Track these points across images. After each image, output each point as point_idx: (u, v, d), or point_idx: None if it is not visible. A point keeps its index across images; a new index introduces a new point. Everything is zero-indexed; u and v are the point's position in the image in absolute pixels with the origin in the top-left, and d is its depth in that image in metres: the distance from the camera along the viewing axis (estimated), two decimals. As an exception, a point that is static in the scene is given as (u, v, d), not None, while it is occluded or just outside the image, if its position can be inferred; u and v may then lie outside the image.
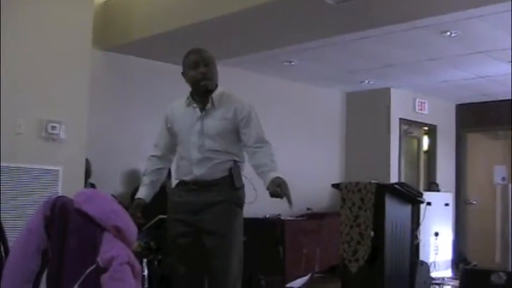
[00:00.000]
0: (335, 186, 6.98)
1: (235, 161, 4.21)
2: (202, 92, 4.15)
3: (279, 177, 3.87)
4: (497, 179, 10.18)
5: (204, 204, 4.09)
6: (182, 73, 4.29)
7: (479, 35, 7.41)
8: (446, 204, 9.78)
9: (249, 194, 4.33)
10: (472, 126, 11.97)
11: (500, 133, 11.96)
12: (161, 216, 6.55)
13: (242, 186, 4.29)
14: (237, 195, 4.22)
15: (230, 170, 4.16)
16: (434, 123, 11.71)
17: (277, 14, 6.15)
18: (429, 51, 8.26)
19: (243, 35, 7.00)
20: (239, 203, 4.26)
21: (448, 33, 7.30)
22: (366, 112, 10.79)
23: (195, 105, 4.19)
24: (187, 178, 4.17)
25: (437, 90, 10.90)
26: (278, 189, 3.78)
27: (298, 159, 9.58)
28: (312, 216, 9.32)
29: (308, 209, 9.31)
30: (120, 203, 7.01)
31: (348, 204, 6.57)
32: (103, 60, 7.72)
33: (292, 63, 8.79)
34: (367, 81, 10.23)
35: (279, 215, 8.61)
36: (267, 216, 8.62)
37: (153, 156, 4.45)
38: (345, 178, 10.12)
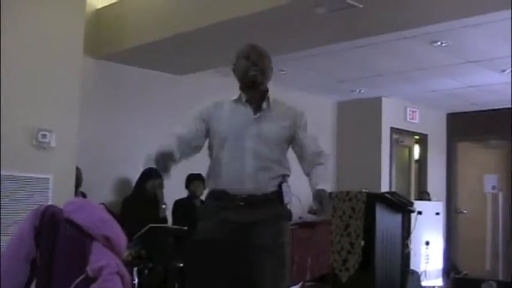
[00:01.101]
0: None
1: (284, 175, 3.75)
2: (249, 85, 3.71)
3: (322, 190, 3.57)
4: (488, 188, 10.21)
5: (253, 223, 3.58)
6: (232, 69, 3.86)
7: (470, 44, 7.44)
8: (437, 213, 9.75)
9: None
10: (462, 135, 12.00)
11: (490, 142, 12.00)
12: (151, 225, 6.56)
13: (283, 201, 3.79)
14: (285, 208, 3.76)
15: (280, 184, 3.70)
16: (425, 132, 11.73)
17: (268, 23, 6.16)
18: (420, 61, 8.29)
19: (235, 43, 6.94)
20: (289, 217, 3.83)
21: (439, 43, 7.33)
22: (357, 121, 10.80)
23: (246, 103, 3.73)
24: (233, 191, 3.60)
25: (428, 100, 10.93)
26: (319, 207, 3.53)
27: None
28: (304, 225, 9.31)
29: (299, 217, 9.31)
30: (110, 211, 7.02)
31: (338, 213, 6.57)
32: (95, 68, 7.71)
33: (284, 72, 8.78)
34: (358, 91, 10.25)
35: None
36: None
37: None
38: (336, 187, 10.12)
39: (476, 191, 11.27)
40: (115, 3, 7.57)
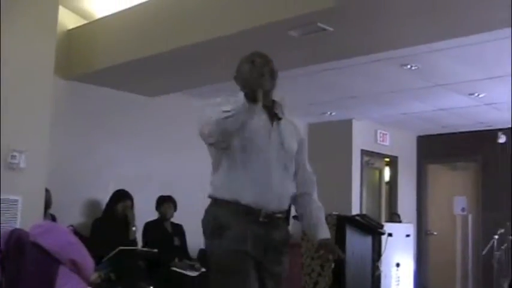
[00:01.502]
0: (296, 217, 6.97)
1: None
2: (258, 87, 3.20)
3: (329, 240, 3.42)
4: (457, 210, 10.30)
5: (273, 242, 3.32)
6: (235, 77, 3.52)
7: (439, 68, 7.51)
8: (408, 235, 9.82)
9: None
10: (432, 157, 12.09)
11: (460, 164, 12.10)
12: (121, 247, 6.51)
13: None
14: (289, 232, 3.52)
15: (290, 204, 3.48)
16: (395, 154, 11.80)
17: (241, 45, 6.14)
18: (390, 84, 8.35)
19: (206, 65, 7.00)
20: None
21: (409, 66, 7.39)
22: (328, 143, 10.82)
23: (263, 110, 3.37)
24: (258, 206, 3.24)
25: (398, 122, 11.00)
26: (331, 256, 3.43)
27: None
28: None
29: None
30: (79, 234, 6.98)
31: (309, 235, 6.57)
32: (65, 89, 7.65)
33: (255, 93, 8.79)
34: (329, 113, 10.30)
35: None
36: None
37: None
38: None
39: (446, 213, 11.36)
40: (86, 24, 7.55)
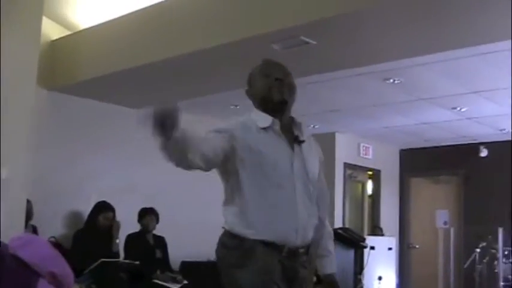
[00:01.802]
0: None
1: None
2: (276, 108, 2.99)
3: (333, 276, 3.14)
4: (440, 223, 10.31)
5: (297, 276, 2.95)
6: (246, 90, 3.15)
7: (421, 82, 7.55)
8: (390, 249, 9.86)
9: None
10: (415, 171, 12.13)
11: (442, 178, 12.14)
12: (103, 259, 6.48)
13: None
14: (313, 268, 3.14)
15: None
16: (378, 167, 11.83)
17: (224, 58, 6.18)
18: (373, 97, 8.38)
19: (189, 78, 7.00)
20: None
21: (391, 80, 7.42)
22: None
23: (281, 132, 2.98)
24: (282, 242, 2.86)
25: (381, 136, 11.04)
26: None
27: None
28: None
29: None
30: (60, 245, 6.92)
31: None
32: (48, 100, 7.62)
33: (238, 106, 8.79)
34: (312, 126, 10.30)
35: (223, 258, 8.51)
36: (211, 259, 8.54)
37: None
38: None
39: (428, 226, 11.37)
40: (70, 35, 7.54)
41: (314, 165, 3.07)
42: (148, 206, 7.78)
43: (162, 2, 6.40)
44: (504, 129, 9.97)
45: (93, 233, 7.20)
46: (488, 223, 9.80)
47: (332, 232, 3.26)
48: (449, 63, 6.68)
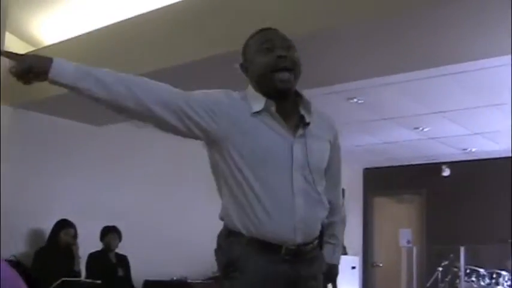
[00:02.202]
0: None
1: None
2: (277, 94, 2.52)
3: (334, 268, 2.82)
4: (403, 242, 10.37)
5: (301, 280, 2.54)
6: (240, 65, 2.69)
7: (385, 102, 7.62)
8: (353, 267, 9.87)
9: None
10: (378, 190, 12.21)
11: (406, 197, 12.24)
12: (64, 278, 6.39)
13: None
14: (322, 262, 2.72)
15: (322, 226, 2.65)
16: (342, 186, 11.83)
17: (187, 76, 6.17)
18: (337, 117, 8.25)
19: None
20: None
21: (355, 100, 7.48)
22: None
23: (278, 116, 2.52)
24: (278, 242, 2.48)
25: (345, 154, 10.82)
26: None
27: (209, 221, 9.47)
28: (219, 279, 9.22)
29: (214, 272, 9.23)
30: (20, 264, 6.80)
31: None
32: (12, 116, 7.54)
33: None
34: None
35: (186, 277, 8.50)
36: (174, 278, 8.50)
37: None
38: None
39: (391, 245, 11.44)
40: (34, 51, 7.47)
41: (320, 150, 2.62)
42: (111, 224, 7.72)
43: (125, 20, 6.38)
44: (466, 149, 10.12)
45: (54, 251, 7.11)
46: (450, 242, 9.88)
47: (345, 218, 2.93)
48: (413, 84, 6.76)
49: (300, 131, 2.52)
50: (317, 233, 2.58)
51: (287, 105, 2.54)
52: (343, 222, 2.91)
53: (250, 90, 2.59)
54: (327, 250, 2.76)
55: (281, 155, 2.48)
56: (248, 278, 2.47)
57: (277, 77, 2.49)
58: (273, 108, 2.49)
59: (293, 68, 2.53)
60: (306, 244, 2.51)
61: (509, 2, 4.08)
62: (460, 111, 7.84)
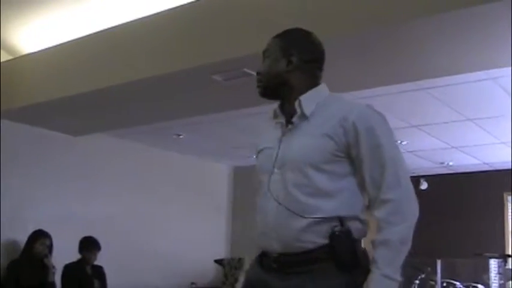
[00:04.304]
0: (218, 261, 6.96)
1: (342, 218, 2.30)
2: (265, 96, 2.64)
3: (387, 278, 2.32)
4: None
5: None
6: None
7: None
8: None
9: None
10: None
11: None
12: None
13: (359, 265, 2.30)
14: (350, 282, 2.28)
15: (333, 235, 2.27)
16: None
17: (166, 87, 6.15)
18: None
19: (131, 106, 6.95)
20: None
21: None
22: (252, 186, 10.80)
23: (282, 115, 2.55)
24: (261, 247, 2.44)
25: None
26: None
27: (184, 232, 9.46)
28: (196, 290, 9.20)
29: (192, 283, 9.18)
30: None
31: (230, 280, 6.56)
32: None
33: (181, 136, 8.77)
34: (254, 156, 10.27)
35: (162, 289, 8.45)
36: (151, 290, 8.47)
37: None
38: (230, 253, 10.06)
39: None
40: (10, 60, 7.42)
41: (303, 146, 2.37)
42: (87, 234, 7.63)
43: (105, 29, 6.36)
44: (443, 163, 10.16)
45: (28, 263, 7.05)
46: (427, 255, 9.90)
47: (396, 238, 2.49)
48: (389, 98, 6.76)
49: (286, 130, 2.46)
50: (304, 245, 2.27)
51: (289, 105, 2.53)
52: (386, 244, 2.38)
53: None
54: (368, 279, 2.27)
55: (268, 157, 2.48)
56: (244, 282, 2.53)
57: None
58: (272, 112, 2.59)
59: (261, 79, 2.68)
60: (289, 255, 2.29)
61: (486, 16, 4.10)
62: (437, 125, 7.87)
